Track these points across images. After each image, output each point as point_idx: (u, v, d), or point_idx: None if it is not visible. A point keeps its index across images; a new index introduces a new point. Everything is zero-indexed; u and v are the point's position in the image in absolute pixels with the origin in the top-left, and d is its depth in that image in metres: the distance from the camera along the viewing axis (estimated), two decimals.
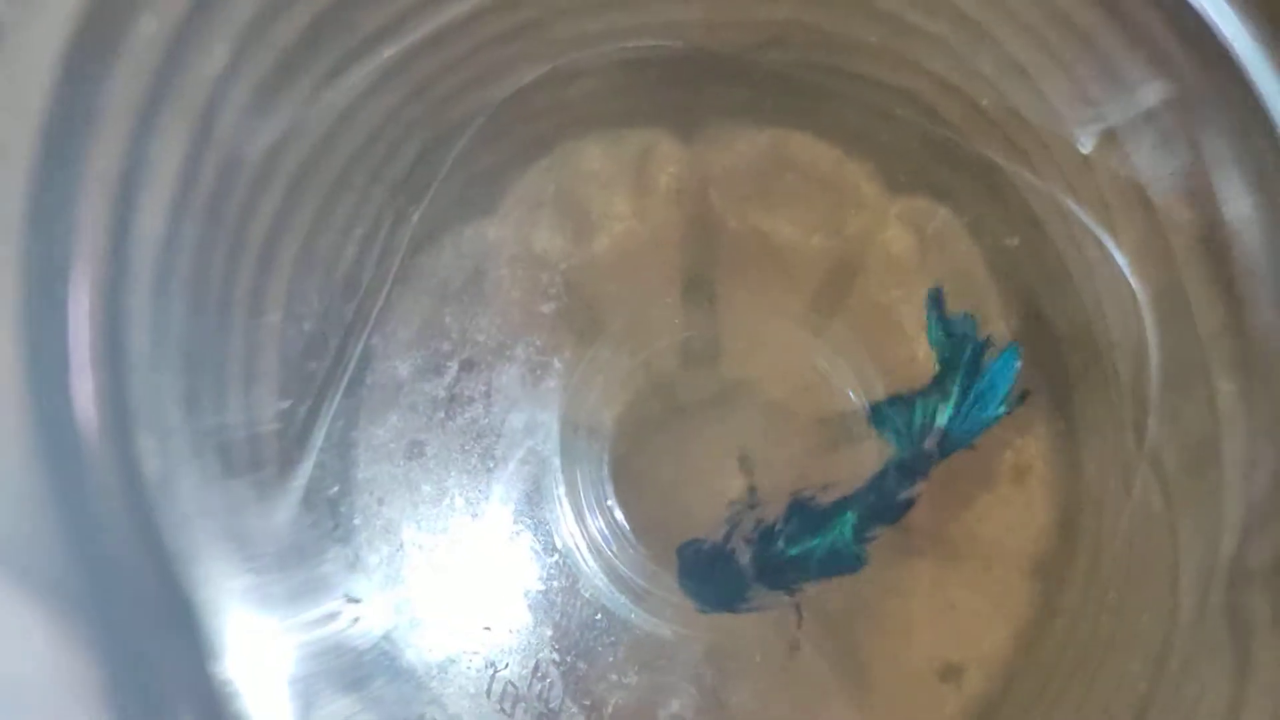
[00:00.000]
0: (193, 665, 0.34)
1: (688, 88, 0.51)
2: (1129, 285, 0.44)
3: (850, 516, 0.48)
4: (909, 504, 0.48)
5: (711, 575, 0.49)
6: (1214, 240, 0.39)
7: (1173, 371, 0.43)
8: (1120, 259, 0.44)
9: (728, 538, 0.49)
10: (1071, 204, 0.45)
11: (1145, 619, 0.44)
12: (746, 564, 0.49)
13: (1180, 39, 0.36)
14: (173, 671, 0.33)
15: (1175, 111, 0.39)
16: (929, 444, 0.48)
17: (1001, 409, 0.47)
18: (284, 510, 0.44)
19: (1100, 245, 0.44)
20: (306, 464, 0.45)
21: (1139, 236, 0.42)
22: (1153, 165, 0.41)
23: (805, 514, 0.49)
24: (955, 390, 0.48)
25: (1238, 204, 0.38)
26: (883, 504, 0.48)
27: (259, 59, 0.37)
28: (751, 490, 0.50)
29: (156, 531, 0.33)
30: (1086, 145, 0.43)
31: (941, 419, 0.48)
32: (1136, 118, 0.40)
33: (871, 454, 0.50)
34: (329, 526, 0.47)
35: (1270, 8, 0.35)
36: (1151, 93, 0.39)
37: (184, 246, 0.36)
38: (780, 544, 0.49)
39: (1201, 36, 0.36)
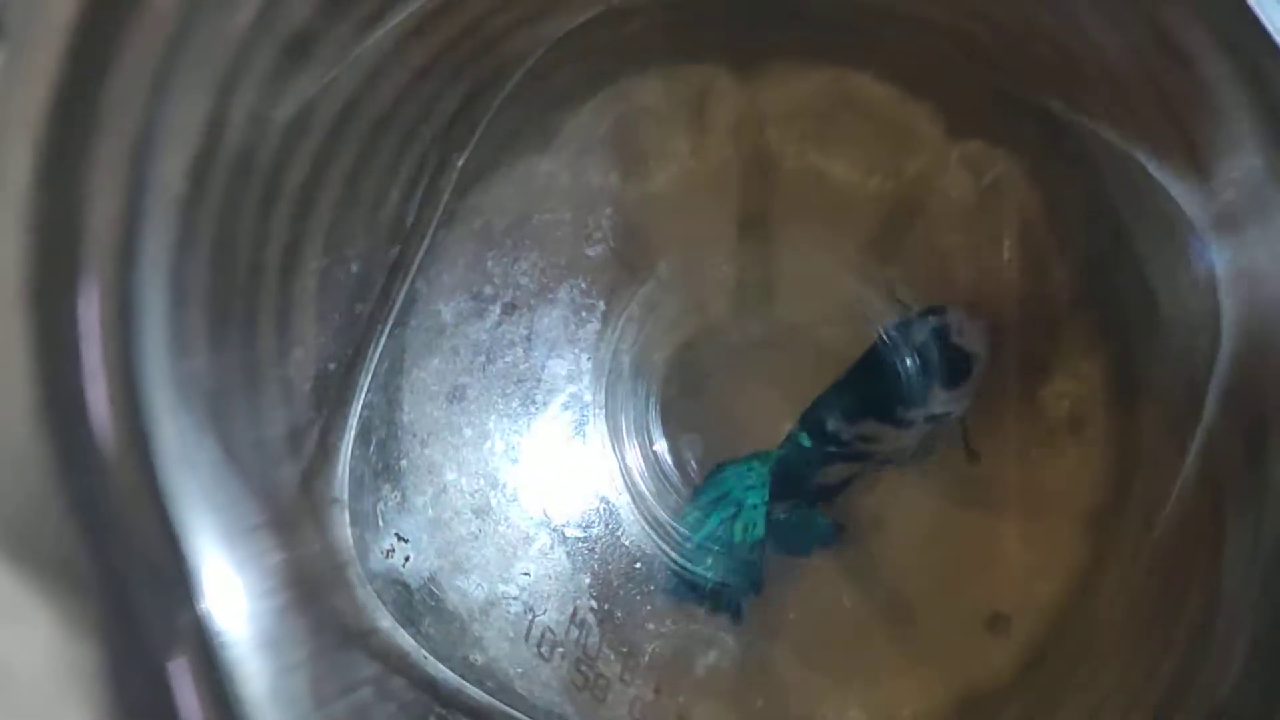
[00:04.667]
0: (196, 633, 0.34)
1: (747, 26, 0.50)
2: (1196, 245, 0.42)
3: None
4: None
5: None
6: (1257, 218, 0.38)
7: (1234, 343, 0.41)
8: (1202, 221, 0.42)
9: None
10: (1138, 158, 0.44)
11: (1192, 589, 0.43)
12: None
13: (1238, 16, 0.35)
14: (174, 639, 0.33)
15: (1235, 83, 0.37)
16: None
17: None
18: (338, 451, 0.45)
19: (1170, 202, 0.43)
20: (355, 404, 0.46)
21: (1199, 201, 0.41)
22: (1206, 133, 0.39)
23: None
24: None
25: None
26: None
27: (291, 10, 0.37)
28: None
29: (166, 498, 0.33)
30: (1143, 102, 0.42)
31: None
32: (1192, 85, 0.39)
33: None
34: (379, 466, 0.48)
35: None
36: (1208, 65, 0.37)
37: (210, 202, 0.36)
38: None
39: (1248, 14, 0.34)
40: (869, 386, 0.50)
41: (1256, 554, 0.39)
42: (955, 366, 0.49)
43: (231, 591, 0.36)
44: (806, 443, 0.50)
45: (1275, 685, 0.38)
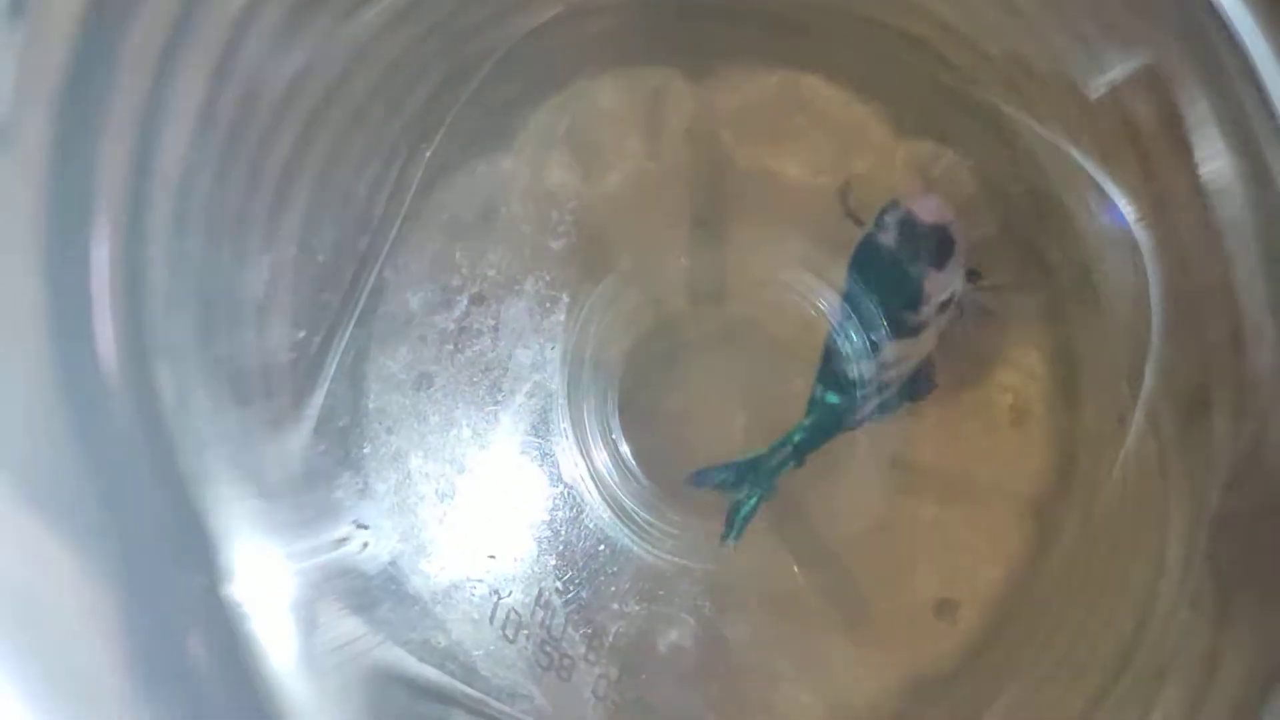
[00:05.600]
0: (205, 588, 0.35)
1: (701, 28, 0.51)
2: (1130, 234, 0.44)
3: None
4: None
5: None
6: (1203, 195, 0.40)
7: (1170, 321, 0.43)
8: (1126, 208, 0.44)
9: None
10: (1075, 152, 0.46)
11: (1135, 564, 0.45)
12: None
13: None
14: (185, 595, 0.34)
15: (1168, 68, 0.39)
16: None
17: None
18: (297, 437, 0.46)
19: (1102, 194, 0.45)
20: (319, 392, 0.46)
21: (1138, 187, 0.43)
22: (1150, 119, 0.41)
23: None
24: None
25: (1219, 162, 0.39)
26: None
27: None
28: None
29: (172, 458, 0.34)
30: (1089, 94, 0.43)
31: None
32: (1136, 72, 0.41)
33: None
34: (340, 454, 0.48)
35: None
36: (1147, 49, 0.39)
37: (202, 182, 0.37)
38: None
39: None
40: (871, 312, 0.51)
41: (1200, 518, 0.41)
42: (937, 243, 0.49)
43: (244, 551, 0.37)
44: (835, 399, 0.51)
45: (1217, 643, 0.39)
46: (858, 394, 0.50)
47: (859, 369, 0.50)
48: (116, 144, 0.33)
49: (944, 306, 0.49)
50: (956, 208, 0.49)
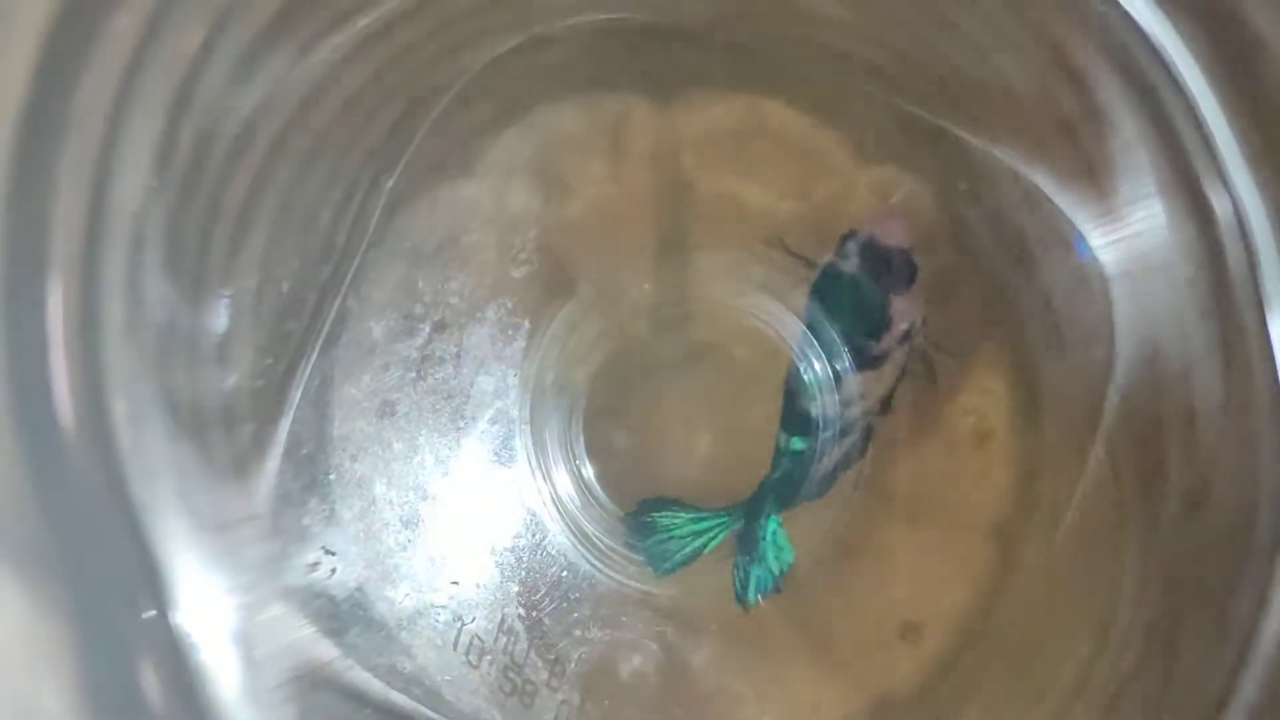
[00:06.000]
0: (160, 620, 0.35)
1: (663, 55, 0.52)
2: (1089, 263, 0.45)
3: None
4: None
5: None
6: (1154, 228, 0.40)
7: (1128, 352, 0.44)
8: (1086, 237, 0.45)
9: None
10: (1035, 180, 0.46)
11: (1093, 589, 0.45)
12: None
13: (1130, 42, 0.37)
14: (140, 628, 0.34)
15: (1113, 104, 0.40)
16: None
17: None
18: (262, 466, 0.46)
19: (1062, 221, 0.45)
20: (285, 420, 0.47)
21: (1096, 217, 0.44)
22: (1102, 152, 0.42)
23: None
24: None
25: (1164, 198, 0.40)
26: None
27: (236, 34, 0.38)
28: None
29: (125, 490, 0.34)
30: (1046, 124, 0.44)
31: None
32: (1086, 105, 0.41)
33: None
34: (306, 480, 0.48)
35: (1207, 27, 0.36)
36: (1094, 84, 0.40)
37: (159, 217, 0.37)
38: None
39: (1146, 45, 0.37)
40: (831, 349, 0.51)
41: (1155, 547, 0.42)
42: (901, 266, 0.49)
43: (197, 586, 0.37)
44: (800, 445, 0.51)
45: (1169, 670, 0.40)
46: (821, 437, 0.50)
47: (822, 404, 0.50)
48: (72, 182, 0.33)
49: (905, 337, 0.50)
50: (917, 234, 0.49)
